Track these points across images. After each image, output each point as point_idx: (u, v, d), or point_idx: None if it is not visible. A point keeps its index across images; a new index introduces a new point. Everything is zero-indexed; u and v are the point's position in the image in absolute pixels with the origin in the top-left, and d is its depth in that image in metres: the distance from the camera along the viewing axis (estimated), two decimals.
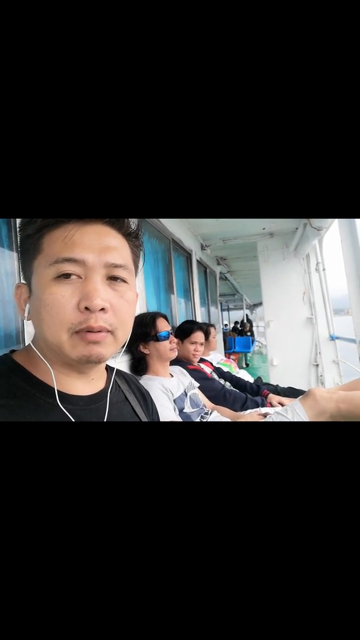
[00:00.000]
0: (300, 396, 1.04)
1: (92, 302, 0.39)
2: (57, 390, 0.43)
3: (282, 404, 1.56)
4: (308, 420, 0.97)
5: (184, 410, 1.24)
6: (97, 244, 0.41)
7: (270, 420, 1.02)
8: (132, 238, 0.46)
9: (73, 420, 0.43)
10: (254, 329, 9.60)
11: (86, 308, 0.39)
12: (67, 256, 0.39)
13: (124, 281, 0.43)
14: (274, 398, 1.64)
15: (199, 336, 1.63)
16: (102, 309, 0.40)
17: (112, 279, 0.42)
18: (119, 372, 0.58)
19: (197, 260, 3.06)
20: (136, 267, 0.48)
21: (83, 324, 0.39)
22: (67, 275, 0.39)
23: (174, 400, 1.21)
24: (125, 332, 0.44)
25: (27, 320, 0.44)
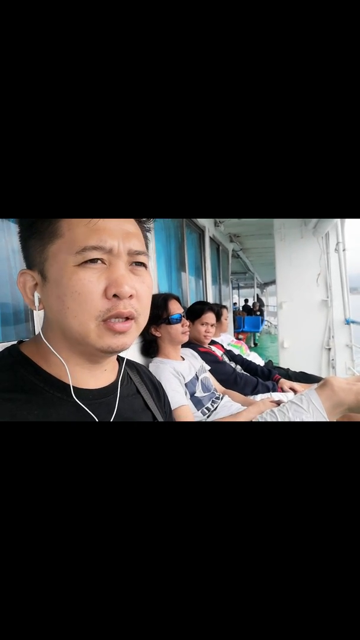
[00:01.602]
0: (316, 385, 1.00)
1: (121, 289, 0.38)
2: (67, 383, 0.42)
3: (293, 390, 1.53)
4: (324, 411, 0.94)
5: (195, 394, 1.23)
6: (120, 230, 0.40)
7: (285, 409, 0.99)
8: (144, 223, 0.46)
9: (90, 412, 0.42)
10: (264, 308, 9.49)
11: (114, 295, 0.38)
12: (97, 244, 0.38)
13: (144, 267, 0.43)
14: (285, 383, 1.62)
15: (209, 317, 1.59)
16: (130, 296, 0.39)
17: (134, 265, 0.41)
18: (130, 362, 0.55)
19: (210, 237, 2.94)
20: (147, 250, 0.47)
21: (111, 311, 0.38)
22: (93, 261, 0.38)
23: (186, 384, 1.19)
24: (145, 318, 0.43)
25: (39, 310, 0.41)
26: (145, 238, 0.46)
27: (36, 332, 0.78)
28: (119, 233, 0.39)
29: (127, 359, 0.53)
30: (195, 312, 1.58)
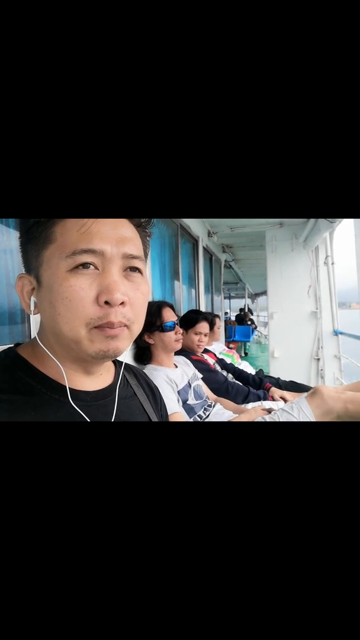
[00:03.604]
0: (306, 394, 1.03)
1: (112, 296, 0.37)
2: (64, 385, 0.41)
3: (284, 398, 1.55)
4: (314, 419, 0.96)
5: (188, 402, 1.23)
6: (114, 234, 0.39)
7: (276, 416, 1.01)
8: (143, 228, 0.45)
9: (84, 415, 0.42)
10: (253, 317, 9.60)
11: (106, 302, 0.37)
12: (86, 247, 0.37)
13: (139, 273, 0.42)
14: (276, 392, 1.64)
15: (203, 327, 1.61)
16: (122, 303, 0.38)
17: (128, 270, 0.40)
18: (127, 366, 0.56)
19: (204, 247, 2.99)
20: (146, 257, 0.46)
21: (103, 319, 0.37)
22: (85, 266, 0.37)
23: (178, 392, 1.20)
24: (139, 326, 0.43)
25: (34, 314, 0.42)
26: (144, 243, 0.45)
27: (32, 333, 0.79)
28: (113, 237, 0.38)
29: (124, 363, 0.53)
30: (189, 321, 1.60)
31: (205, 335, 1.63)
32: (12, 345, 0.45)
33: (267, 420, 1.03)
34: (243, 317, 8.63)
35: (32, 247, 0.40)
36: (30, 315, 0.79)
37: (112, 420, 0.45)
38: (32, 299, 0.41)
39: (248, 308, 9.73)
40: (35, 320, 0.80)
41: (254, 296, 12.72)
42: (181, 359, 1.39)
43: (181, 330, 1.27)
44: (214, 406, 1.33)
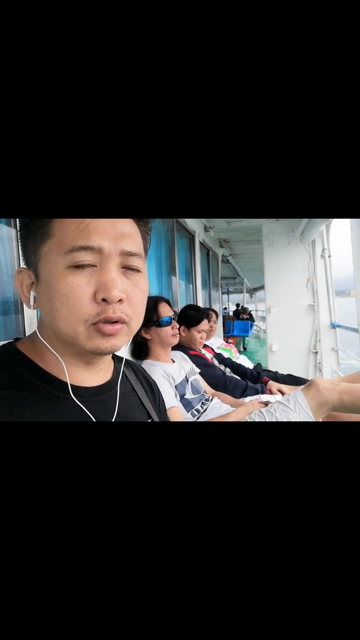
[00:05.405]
0: (302, 386, 1.04)
1: (110, 294, 0.37)
2: (64, 381, 0.42)
3: (281, 391, 1.56)
4: (310, 411, 0.97)
5: (185, 396, 1.24)
6: (112, 230, 0.39)
7: (272, 409, 1.02)
8: (143, 224, 0.44)
9: (87, 411, 0.42)
10: (252, 312, 9.63)
11: (103, 299, 0.37)
12: (84, 244, 0.37)
13: (138, 270, 0.41)
14: (273, 385, 1.65)
15: (206, 324, 1.62)
16: (119, 300, 0.38)
17: (127, 267, 0.40)
18: (125, 361, 0.56)
19: (200, 242, 2.99)
20: (146, 253, 0.46)
21: (100, 315, 0.38)
22: (82, 262, 0.37)
23: (176, 387, 1.21)
24: (138, 322, 0.43)
25: (34, 309, 0.42)
26: (144, 239, 0.44)
27: (25, 326, 0.79)
28: (111, 233, 0.38)
29: (124, 358, 0.54)
30: (192, 319, 1.59)
31: (206, 331, 1.65)
32: (12, 340, 0.45)
33: (264, 412, 1.04)
34: (240, 313, 8.64)
35: (31, 242, 0.40)
36: (25, 308, 0.78)
37: (114, 416, 0.45)
38: (32, 293, 0.41)
39: (241, 306, 9.73)
40: (28, 313, 0.80)
41: (252, 291, 12.72)
42: (178, 354, 1.39)
43: (177, 325, 1.28)
44: (211, 400, 1.34)
